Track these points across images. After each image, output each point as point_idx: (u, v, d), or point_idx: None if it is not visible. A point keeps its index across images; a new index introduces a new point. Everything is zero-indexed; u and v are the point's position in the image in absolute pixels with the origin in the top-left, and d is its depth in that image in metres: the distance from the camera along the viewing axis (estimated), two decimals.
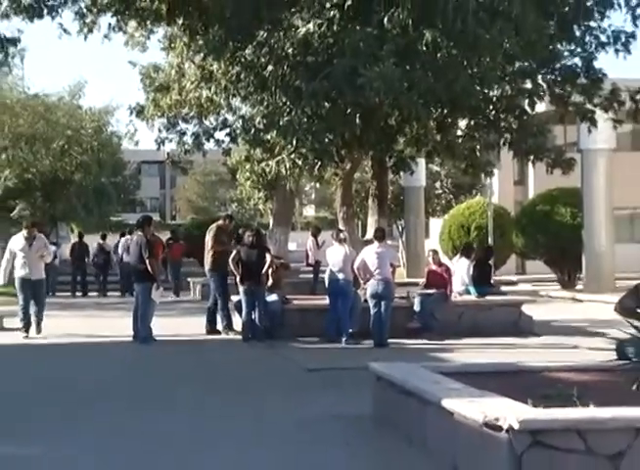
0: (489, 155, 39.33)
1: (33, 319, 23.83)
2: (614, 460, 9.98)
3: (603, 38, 30.49)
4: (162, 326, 25.08)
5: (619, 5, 30.30)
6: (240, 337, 24.80)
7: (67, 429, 14.07)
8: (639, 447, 10.02)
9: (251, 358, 22.37)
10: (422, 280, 28.17)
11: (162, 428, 14.09)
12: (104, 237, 48.63)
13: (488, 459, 10.19)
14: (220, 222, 27.15)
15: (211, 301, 26.28)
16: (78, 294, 44.04)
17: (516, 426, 9.82)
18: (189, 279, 40.28)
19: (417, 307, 25.36)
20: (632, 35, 29.67)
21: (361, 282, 24.00)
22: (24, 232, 23.29)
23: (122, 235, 47.48)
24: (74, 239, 57.24)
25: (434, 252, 29.59)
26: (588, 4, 30.41)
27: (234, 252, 24.99)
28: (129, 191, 68.55)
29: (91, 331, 26.38)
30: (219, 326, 25.93)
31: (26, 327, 23.86)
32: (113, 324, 25.75)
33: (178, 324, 26.86)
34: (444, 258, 39.76)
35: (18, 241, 23.05)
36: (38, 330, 23.90)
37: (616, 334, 17.08)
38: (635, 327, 13.29)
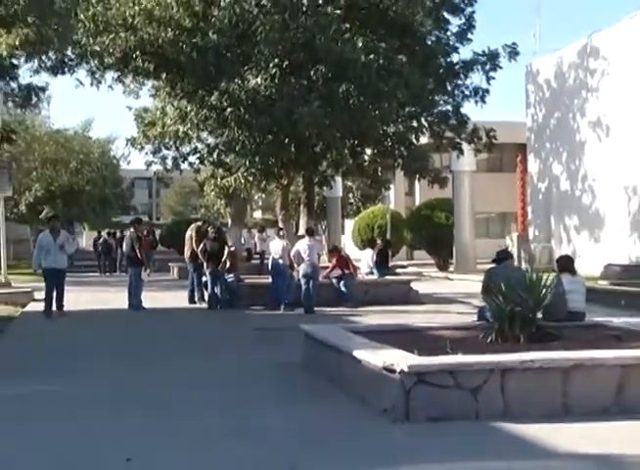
0: (387, 174, 39.57)
1: (54, 303, 22.28)
2: (474, 392, 10.11)
3: (467, 92, 31.26)
4: (151, 298, 25.03)
5: (478, 69, 30.85)
6: (207, 306, 24.87)
7: (79, 369, 14.11)
8: (492, 383, 10.18)
9: (215, 321, 22.40)
10: (332, 263, 28.26)
11: (146, 365, 14.26)
12: (109, 233, 48.53)
13: (386, 393, 10.28)
14: (199, 224, 27.15)
15: (190, 281, 26.38)
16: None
17: (405, 369, 9.94)
18: (170, 264, 40.01)
19: (341, 286, 25.60)
20: (486, 91, 31.13)
21: (295, 266, 24.11)
22: (49, 228, 22.53)
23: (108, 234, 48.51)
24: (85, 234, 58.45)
25: (335, 247, 29.73)
26: (456, 68, 30.88)
27: (201, 244, 25.07)
28: (125, 199, 68.45)
29: (98, 302, 26.38)
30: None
31: (48, 310, 22.21)
32: (115, 297, 25.62)
33: (163, 297, 26.76)
34: (355, 250, 39.95)
35: (45, 236, 22.31)
36: (61, 311, 22.24)
37: (476, 303, 17.30)
38: (490, 299, 13.44)
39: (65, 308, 22.58)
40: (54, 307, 22.24)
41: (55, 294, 22.13)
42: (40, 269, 22.58)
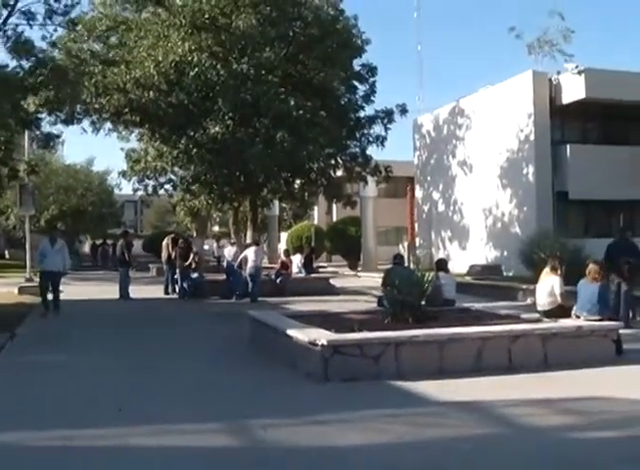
0: (312, 198, 39.68)
1: (50, 303, 19.27)
2: (376, 359, 10.21)
3: (370, 139, 31.26)
4: (136, 290, 24.79)
5: (378, 122, 31.07)
6: (178, 296, 24.69)
7: (79, 344, 13.99)
8: (388, 353, 10.26)
9: (184, 307, 22.18)
10: (277, 265, 28.20)
11: (128, 342, 14.15)
12: (103, 242, 48.54)
13: (310, 361, 10.33)
14: (173, 236, 27.09)
15: (165, 277, 26.21)
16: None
17: (325, 343, 10.02)
18: (149, 265, 39.63)
19: (279, 281, 25.62)
20: (385, 138, 31.04)
21: (243, 267, 23.98)
22: (49, 237, 20.75)
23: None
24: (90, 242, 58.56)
25: (286, 250, 29.76)
26: (363, 121, 31.02)
27: (174, 250, 25.10)
28: (118, 216, 67.66)
29: (98, 293, 26.08)
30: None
31: (45, 308, 19.15)
32: (110, 290, 25.32)
33: (145, 290, 26.48)
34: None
35: (44, 243, 19.74)
36: (56, 311, 19.14)
37: (377, 293, 17.36)
38: (387, 291, 13.52)
39: (74, 298, 22.24)
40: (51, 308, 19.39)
41: (52, 295, 19.46)
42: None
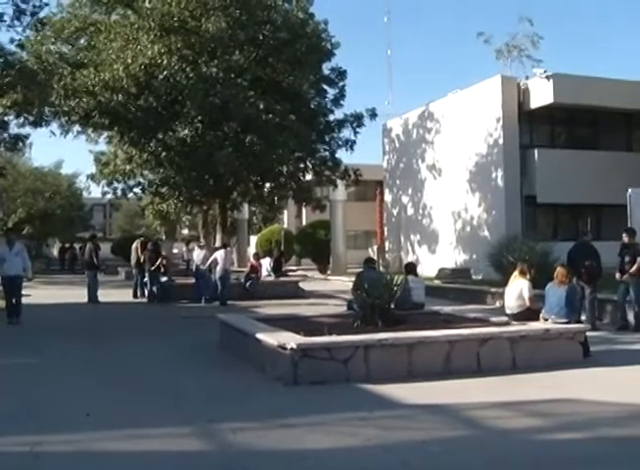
0: (282, 202, 39.75)
1: (13, 309, 18.13)
2: (345, 362, 10.22)
3: (340, 143, 31.42)
4: (105, 294, 24.64)
5: (347, 126, 31.20)
6: (147, 300, 24.56)
7: (46, 349, 13.87)
8: (357, 356, 10.28)
9: (152, 311, 22.08)
10: (246, 269, 28.15)
11: (96, 346, 14.04)
12: (72, 244, 48.30)
13: (280, 364, 10.32)
14: (142, 239, 26.97)
15: (134, 281, 26.07)
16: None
17: (294, 347, 10.01)
18: (118, 268, 39.37)
19: (249, 285, 25.57)
20: (354, 142, 31.42)
21: (214, 270, 23.90)
22: (6, 240, 19.80)
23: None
24: (59, 245, 58.35)
25: (256, 254, 29.71)
26: (332, 125, 31.14)
27: (143, 254, 25.00)
28: (86, 220, 67.52)
29: (66, 297, 25.84)
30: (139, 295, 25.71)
31: (9, 314, 18.05)
32: (78, 294, 25.13)
33: (113, 293, 26.34)
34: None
35: (3, 247, 18.30)
36: (17, 319, 17.96)
37: (346, 297, 17.36)
38: (357, 294, 13.54)
39: (42, 301, 21.99)
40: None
41: (13, 302, 18.22)
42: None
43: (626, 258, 16.02)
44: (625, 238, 16.33)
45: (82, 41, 30.02)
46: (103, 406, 9.01)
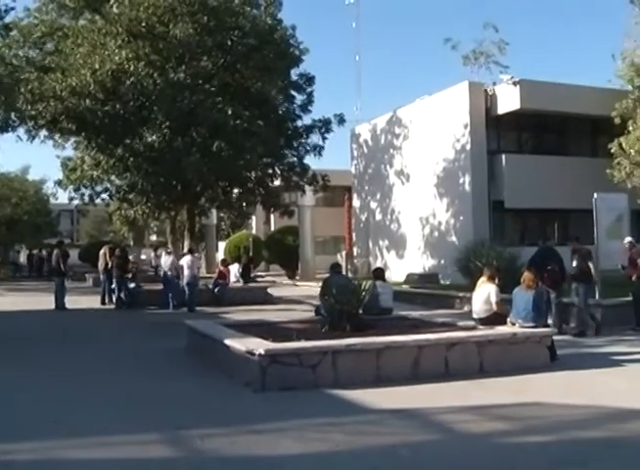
0: (250, 208, 39.68)
1: None
2: (313, 368, 10.21)
3: (308, 148, 31.43)
4: (72, 301, 24.43)
5: (316, 131, 31.22)
6: (115, 307, 24.38)
7: (12, 357, 13.71)
8: (326, 361, 10.27)
9: (120, 318, 21.97)
10: (214, 275, 28.08)
11: (63, 353, 13.92)
12: (40, 250, 48.01)
13: (248, 370, 10.29)
14: (110, 245, 26.82)
15: (102, 287, 25.85)
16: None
17: (262, 353, 9.98)
18: (86, 274, 39.03)
19: (217, 290, 25.48)
20: (322, 147, 31.43)
21: (181, 276, 23.77)
22: None
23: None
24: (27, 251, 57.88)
25: (224, 260, 29.64)
26: (300, 130, 31.16)
27: (111, 260, 24.83)
28: (53, 226, 66.82)
29: (33, 304, 25.57)
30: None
31: None
32: (45, 301, 24.87)
33: (81, 300, 26.10)
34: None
35: None
36: None
37: (315, 302, 17.36)
38: (325, 300, 13.54)
39: (7, 308, 21.74)
40: None
41: None
42: None
43: (574, 263, 16.79)
44: (572, 245, 17.39)
45: (49, 46, 29.82)
46: (70, 414, 8.92)
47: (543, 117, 32.16)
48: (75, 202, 33.65)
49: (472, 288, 15.39)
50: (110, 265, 25.00)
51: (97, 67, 26.42)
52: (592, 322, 16.66)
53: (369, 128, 39.82)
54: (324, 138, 31.55)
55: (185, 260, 23.83)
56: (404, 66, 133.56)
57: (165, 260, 25.05)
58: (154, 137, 26.82)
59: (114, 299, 24.91)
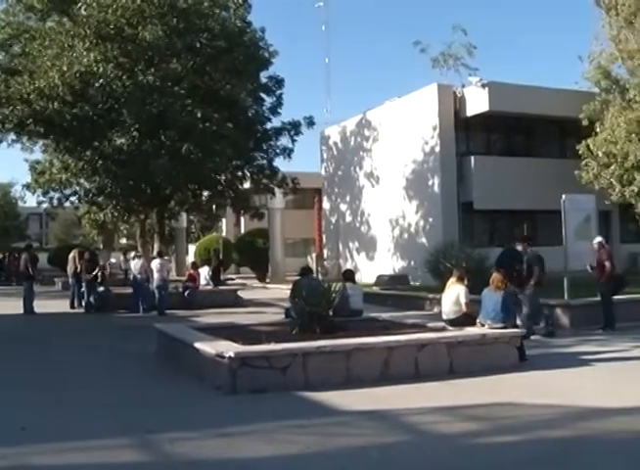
0: (220, 210, 39.57)
1: None
2: (283, 370, 10.19)
3: (277, 151, 31.46)
4: (41, 305, 24.20)
5: (285, 134, 31.24)
6: (84, 310, 24.22)
7: None
8: (296, 363, 10.26)
9: (89, 321, 21.78)
10: (185, 277, 28.02)
11: (32, 358, 13.76)
12: (8, 254, 47.69)
13: (219, 373, 10.26)
14: (79, 249, 26.69)
15: (71, 291, 25.71)
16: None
17: (232, 355, 9.96)
18: (55, 279, 38.67)
19: (187, 294, 25.38)
20: (291, 150, 31.59)
21: (151, 279, 23.67)
22: None
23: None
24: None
25: (194, 263, 29.58)
26: (270, 133, 31.20)
27: (80, 264, 24.71)
28: (22, 229, 66.47)
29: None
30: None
31: None
32: (13, 305, 24.64)
33: (50, 304, 25.84)
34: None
35: None
36: None
37: (284, 305, 17.34)
38: (295, 302, 13.54)
39: None
40: None
41: None
42: None
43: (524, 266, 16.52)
44: (520, 246, 17.04)
45: (16, 48, 29.51)
46: (38, 420, 8.82)
47: (512, 119, 32.40)
48: (44, 205, 33.45)
49: (441, 289, 15.46)
50: (79, 269, 24.88)
51: (65, 69, 26.17)
52: (545, 325, 16.69)
53: (338, 131, 39.89)
54: (293, 141, 31.63)
55: (155, 264, 23.74)
56: (374, 68, 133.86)
57: (135, 264, 24.92)
58: (123, 140, 26.70)
59: (83, 303, 24.76)
